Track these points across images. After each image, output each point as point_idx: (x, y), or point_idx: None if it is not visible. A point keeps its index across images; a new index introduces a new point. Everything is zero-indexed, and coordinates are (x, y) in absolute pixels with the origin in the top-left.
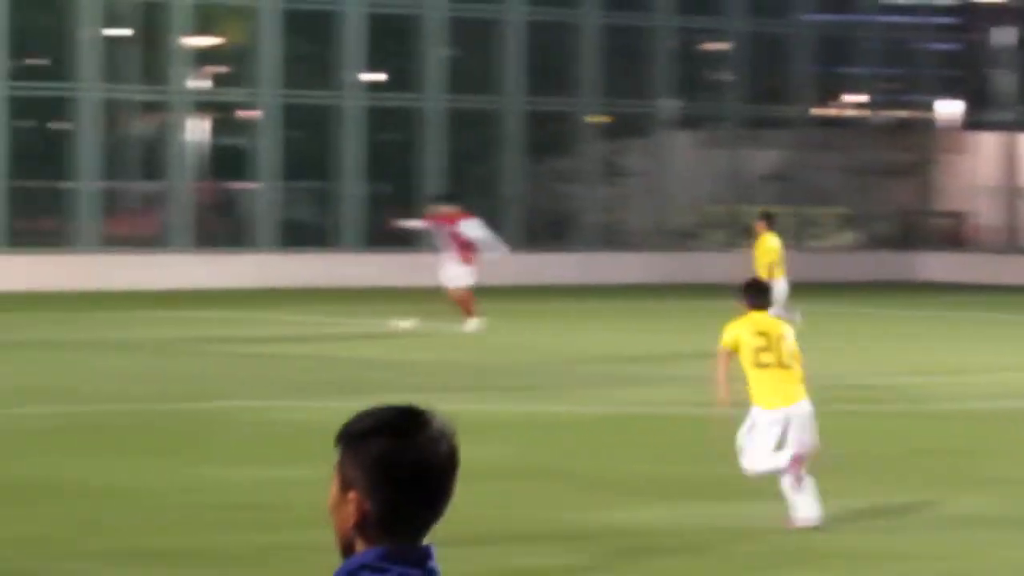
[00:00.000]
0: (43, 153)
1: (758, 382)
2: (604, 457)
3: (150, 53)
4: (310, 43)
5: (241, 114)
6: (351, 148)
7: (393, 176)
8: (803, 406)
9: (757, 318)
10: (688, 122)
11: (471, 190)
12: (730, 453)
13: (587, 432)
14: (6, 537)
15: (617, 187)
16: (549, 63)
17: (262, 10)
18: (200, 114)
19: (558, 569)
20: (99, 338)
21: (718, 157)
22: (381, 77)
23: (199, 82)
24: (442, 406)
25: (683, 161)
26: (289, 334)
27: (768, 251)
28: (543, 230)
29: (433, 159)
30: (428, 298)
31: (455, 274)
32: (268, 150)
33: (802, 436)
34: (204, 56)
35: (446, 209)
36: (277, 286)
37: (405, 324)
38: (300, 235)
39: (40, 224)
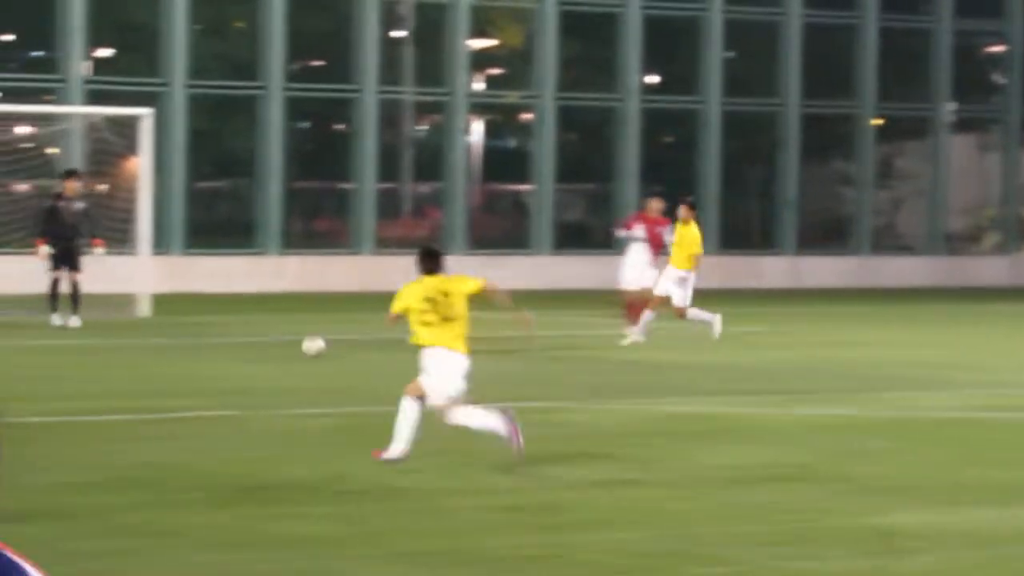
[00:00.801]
0: (321, 154)
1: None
2: (885, 461)
3: (428, 55)
4: (588, 45)
5: (518, 116)
6: (627, 151)
7: (668, 179)
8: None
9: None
10: (964, 125)
11: (748, 192)
12: (1013, 459)
13: (868, 434)
14: (279, 537)
15: (892, 190)
16: (826, 66)
17: (540, 12)
18: (477, 116)
19: (837, 573)
20: (377, 339)
21: (994, 160)
22: (658, 80)
23: (476, 84)
24: (725, 409)
25: (959, 164)
26: (562, 336)
27: None
28: (818, 233)
29: (709, 162)
30: (706, 303)
31: (647, 276)
32: (544, 152)
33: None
34: (482, 58)
35: (656, 206)
36: (551, 288)
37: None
38: (575, 237)
39: (317, 225)
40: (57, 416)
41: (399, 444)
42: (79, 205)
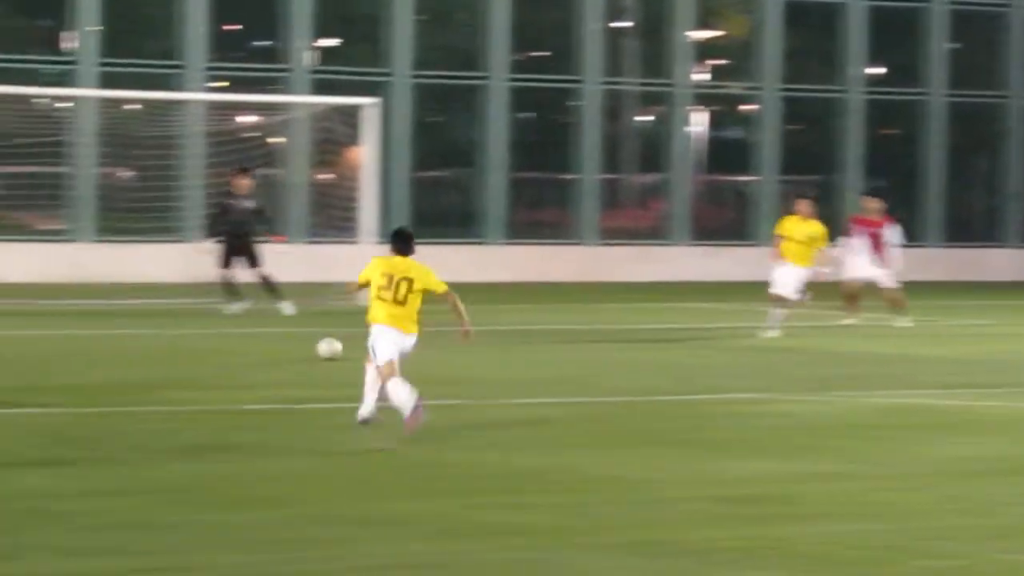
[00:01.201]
0: (544, 145)
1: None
2: None
3: (651, 46)
4: (812, 36)
5: (741, 107)
6: (851, 142)
7: (892, 171)
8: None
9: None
10: None
11: (972, 184)
12: None
13: None
14: (501, 526)
15: None
16: None
17: (764, 3)
18: (700, 107)
19: None
20: (602, 330)
21: None
22: (882, 71)
23: (699, 75)
24: (948, 402)
25: None
26: (785, 327)
27: None
28: None
29: (933, 154)
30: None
31: (878, 274)
32: (767, 144)
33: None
34: (705, 49)
35: (873, 206)
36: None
37: (903, 323)
38: None
39: (540, 216)
40: (276, 404)
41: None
42: (248, 203)
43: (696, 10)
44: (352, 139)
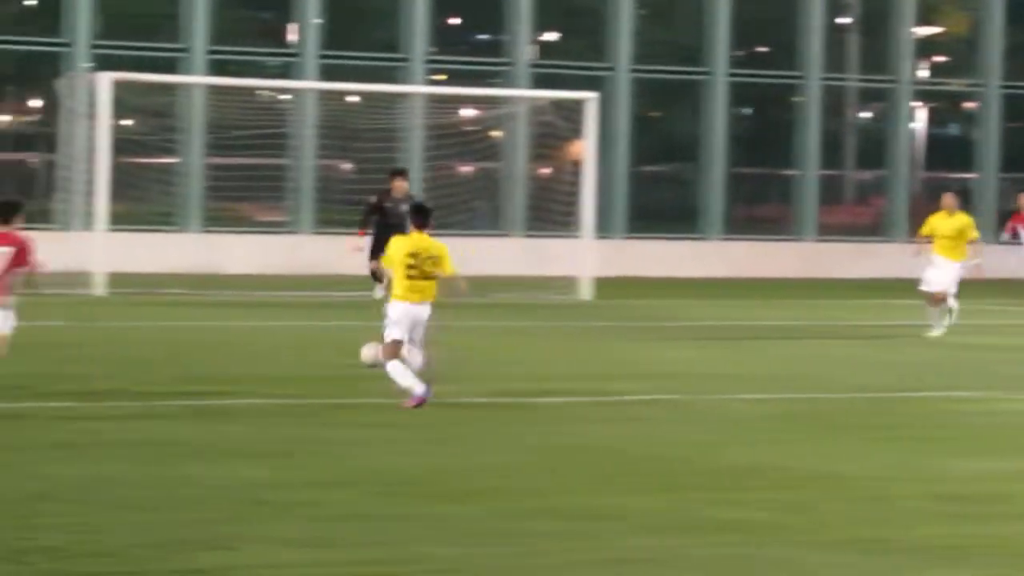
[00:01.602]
0: (763, 140)
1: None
2: None
3: (873, 42)
4: None
5: (962, 104)
6: None
7: None
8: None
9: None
10: None
11: None
12: None
13: None
14: (718, 521)
15: None
16: None
17: (986, 0)
18: (920, 103)
19: None
20: (822, 326)
21: None
22: None
23: (921, 71)
24: None
25: None
26: (988, 325)
27: None
28: None
29: None
30: None
31: None
32: (988, 141)
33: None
34: (926, 45)
35: None
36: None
37: None
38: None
39: (759, 211)
40: (497, 397)
41: (412, 386)
42: (404, 207)
43: (918, 7)
44: (572, 133)
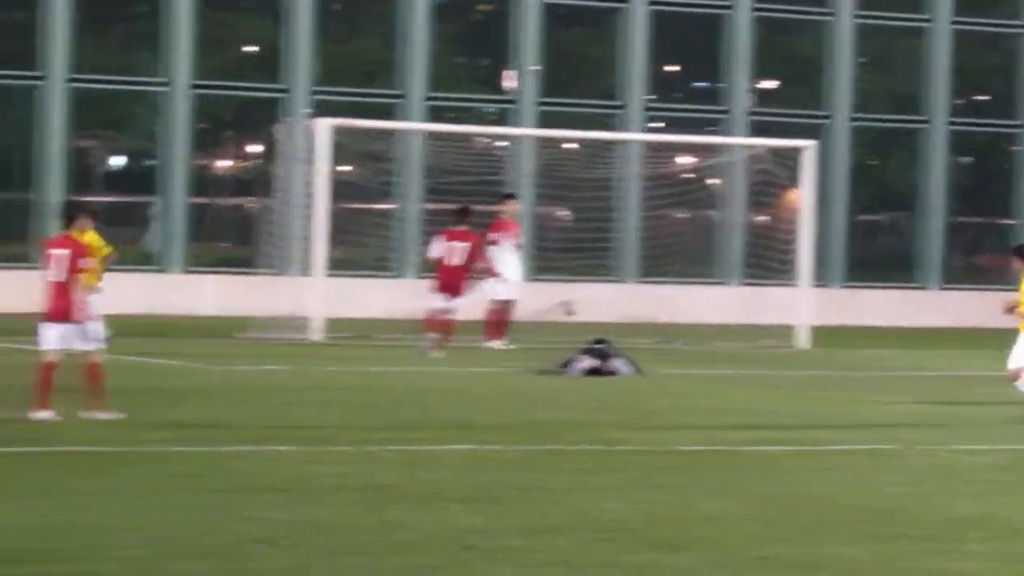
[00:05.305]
0: (984, 189)
1: None
2: None
3: None
4: None
5: None
6: None
7: None
8: None
9: None
10: None
11: None
12: None
13: None
14: (927, 571)
15: None
16: None
17: None
18: None
19: None
20: None
21: None
22: None
23: None
24: None
25: None
26: None
27: None
28: None
29: None
30: None
31: None
32: None
33: None
34: None
35: None
36: None
37: None
38: None
39: (978, 260)
40: (713, 445)
41: None
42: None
43: None
44: (789, 182)
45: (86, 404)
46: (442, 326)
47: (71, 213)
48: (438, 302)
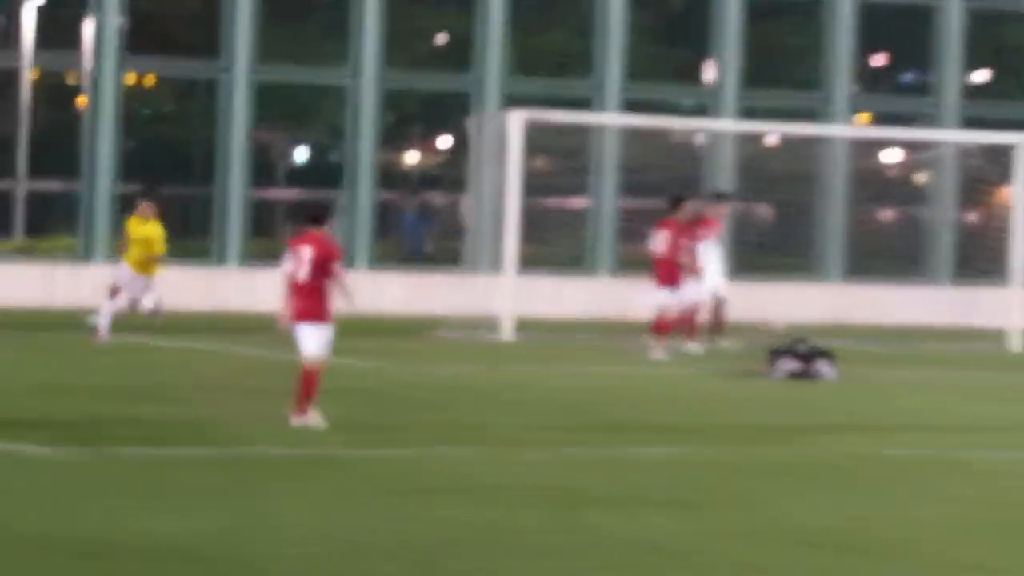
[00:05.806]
0: None
1: None
2: None
3: None
4: None
5: None
6: None
7: None
8: None
9: None
10: None
11: None
12: None
13: None
14: None
15: None
16: None
17: None
18: None
19: None
20: None
21: None
22: None
23: None
24: None
25: None
26: None
27: None
28: None
29: None
30: None
31: None
32: None
33: None
34: None
35: None
36: None
37: None
38: None
39: None
40: (921, 448)
41: None
42: None
43: None
44: (1001, 178)
45: (296, 408)
46: (673, 324)
47: (320, 213)
48: (662, 297)
